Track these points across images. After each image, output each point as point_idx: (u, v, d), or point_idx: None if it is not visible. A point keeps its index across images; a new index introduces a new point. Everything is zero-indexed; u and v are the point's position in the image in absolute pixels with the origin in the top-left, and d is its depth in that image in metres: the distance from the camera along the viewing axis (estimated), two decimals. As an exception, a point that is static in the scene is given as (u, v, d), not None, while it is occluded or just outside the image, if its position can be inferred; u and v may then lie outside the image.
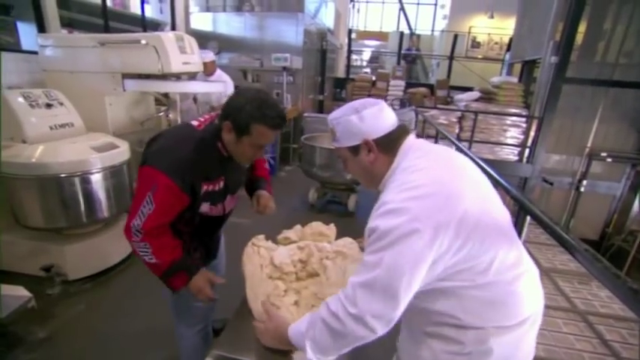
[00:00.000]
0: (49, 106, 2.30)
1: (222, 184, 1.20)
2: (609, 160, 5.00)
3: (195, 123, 1.16)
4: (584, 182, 5.13)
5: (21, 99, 2.19)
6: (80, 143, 2.27)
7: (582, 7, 4.14)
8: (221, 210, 1.27)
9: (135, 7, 5.10)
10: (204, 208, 1.19)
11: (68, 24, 4.13)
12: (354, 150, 0.90)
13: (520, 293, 0.83)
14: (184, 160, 1.07)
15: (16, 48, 3.35)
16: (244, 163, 1.21)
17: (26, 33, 3.42)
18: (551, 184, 5.12)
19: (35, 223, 2.21)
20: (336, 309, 0.79)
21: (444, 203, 0.75)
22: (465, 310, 0.83)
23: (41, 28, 3.33)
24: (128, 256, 2.67)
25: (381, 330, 0.78)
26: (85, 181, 2.21)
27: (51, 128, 2.26)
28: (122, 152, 2.43)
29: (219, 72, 3.97)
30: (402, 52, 8.68)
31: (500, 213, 0.85)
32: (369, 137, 0.87)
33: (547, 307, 2.42)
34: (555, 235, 0.97)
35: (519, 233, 1.20)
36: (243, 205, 1.47)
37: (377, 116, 0.88)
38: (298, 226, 1.31)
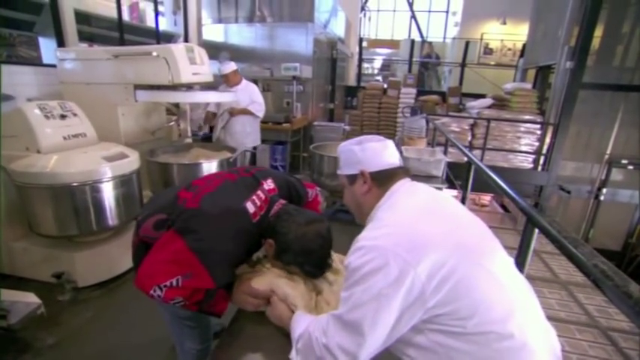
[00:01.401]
0: (63, 117, 2.38)
1: (248, 253, 1.19)
2: (631, 167, 4.81)
3: (251, 209, 1.07)
4: (604, 190, 4.94)
5: (37, 110, 2.27)
6: (91, 153, 2.32)
7: (598, 11, 4.04)
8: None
9: (151, 21, 5.27)
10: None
11: (88, 38, 4.30)
12: (352, 179, 0.96)
13: (518, 353, 0.71)
14: (232, 259, 1.04)
15: (37, 62, 3.50)
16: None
17: (47, 47, 3.57)
18: (569, 192, 4.96)
19: (48, 230, 2.27)
20: (317, 334, 0.82)
21: (414, 244, 0.73)
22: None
23: (60, 43, 3.47)
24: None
25: None
26: (96, 189, 2.25)
27: (64, 138, 2.33)
28: (132, 161, 2.47)
29: (244, 82, 3.85)
30: (420, 59, 8.65)
31: (489, 260, 0.77)
32: (366, 169, 0.92)
33: (566, 321, 2.32)
34: (564, 249, 0.93)
35: (527, 246, 1.15)
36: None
37: (378, 151, 0.93)
38: None
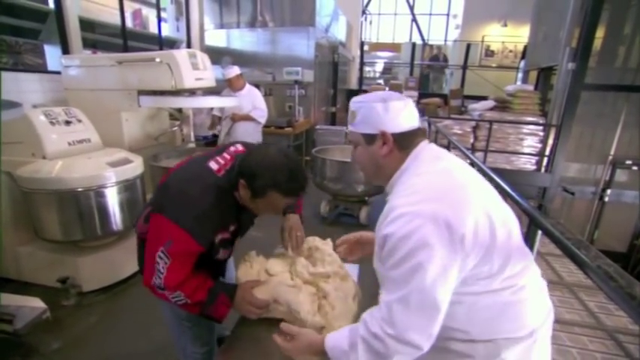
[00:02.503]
0: (68, 123, 2.40)
1: (233, 228, 1.16)
2: (635, 168, 4.78)
3: (214, 167, 1.09)
4: (608, 192, 4.91)
5: (42, 117, 2.30)
6: (96, 158, 2.35)
7: (599, 12, 4.04)
8: (231, 252, 1.24)
9: (153, 27, 5.33)
10: (221, 254, 1.15)
11: (92, 45, 4.36)
12: (369, 138, 0.87)
13: (527, 303, 0.82)
14: (204, 215, 1.02)
15: (42, 69, 3.54)
16: (259, 213, 1.15)
17: (51, 54, 3.62)
18: (573, 193, 4.92)
19: (53, 235, 2.29)
20: (376, 330, 0.76)
21: (455, 207, 0.74)
22: (473, 323, 0.81)
23: (65, 50, 3.52)
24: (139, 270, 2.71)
25: (426, 345, 0.75)
26: (100, 194, 2.27)
27: (69, 144, 2.36)
28: (136, 167, 2.49)
29: (248, 87, 3.87)
30: (420, 62, 8.65)
31: (509, 220, 0.83)
32: (389, 130, 0.85)
33: (572, 323, 2.30)
34: (566, 250, 0.93)
35: (531, 247, 1.15)
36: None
37: (402, 111, 0.85)
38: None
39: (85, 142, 2.48)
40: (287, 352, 0.92)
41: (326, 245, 1.26)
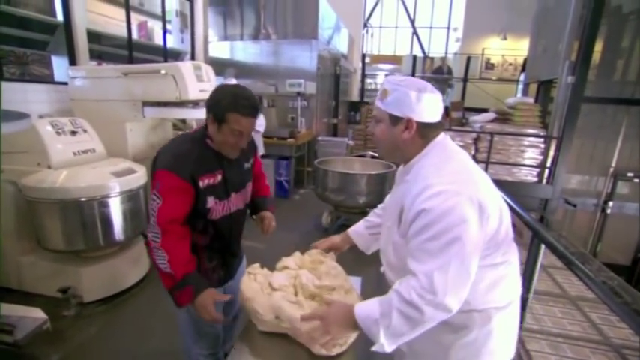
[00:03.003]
0: (73, 133, 2.43)
1: (220, 177, 1.25)
2: (636, 180, 4.77)
3: (190, 131, 1.32)
4: (610, 204, 4.89)
5: (49, 127, 2.33)
6: (100, 168, 2.36)
7: (597, 27, 4.10)
8: (228, 208, 1.30)
9: (158, 38, 5.42)
10: (211, 203, 1.23)
11: (98, 56, 4.43)
12: (395, 120, 0.93)
13: (512, 276, 0.97)
14: (180, 155, 1.17)
15: (49, 80, 3.60)
16: (230, 153, 1.23)
17: (59, 65, 3.68)
18: (574, 205, 4.91)
19: (55, 245, 2.29)
20: (412, 298, 0.82)
21: (482, 190, 0.86)
22: (475, 294, 0.89)
23: (72, 61, 3.58)
24: (142, 279, 2.71)
25: (457, 309, 0.84)
26: (104, 204, 2.28)
27: (74, 154, 2.38)
28: (139, 177, 2.51)
29: None
30: (430, 74, 8.74)
31: (506, 208, 0.95)
32: (415, 118, 0.91)
33: (577, 338, 2.27)
34: (570, 264, 0.93)
35: (534, 262, 1.15)
36: (257, 229, 1.50)
37: (433, 104, 0.92)
38: (297, 253, 1.31)
39: (90, 152, 2.50)
40: (321, 319, 0.94)
41: (330, 258, 1.26)
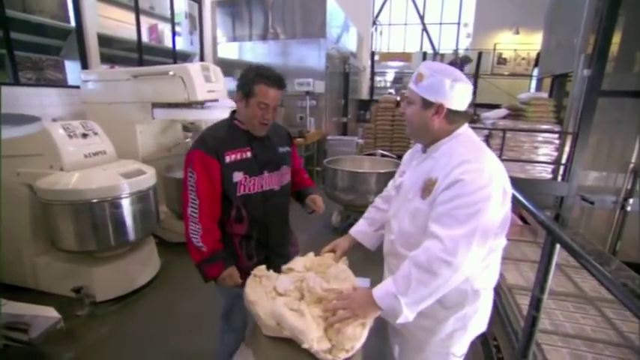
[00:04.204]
0: (84, 135, 2.47)
1: (249, 154, 1.34)
2: (658, 176, 4.59)
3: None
4: (631, 201, 4.71)
5: (61, 130, 2.37)
6: (110, 170, 2.40)
7: (615, 18, 3.96)
8: (260, 185, 1.37)
9: (169, 41, 5.49)
10: (238, 177, 1.31)
11: (110, 60, 4.51)
12: (427, 104, 0.99)
13: (498, 261, 1.06)
14: (207, 135, 1.34)
15: (63, 84, 3.68)
16: (258, 129, 1.33)
17: (71, 70, 3.76)
18: (592, 203, 4.75)
19: (69, 246, 2.33)
20: (430, 263, 0.88)
21: (506, 177, 0.96)
22: (475, 273, 0.98)
23: (84, 65, 3.65)
24: (153, 279, 2.73)
25: (465, 277, 0.92)
26: (115, 205, 2.31)
27: (85, 156, 2.42)
28: (149, 178, 2.53)
29: None
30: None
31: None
32: (446, 104, 0.97)
33: (597, 340, 2.18)
34: (588, 265, 0.88)
35: (548, 262, 1.10)
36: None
37: (464, 93, 0.98)
38: (311, 254, 1.29)
39: (101, 154, 2.54)
40: (346, 301, 0.98)
41: (341, 262, 1.24)
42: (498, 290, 2.18)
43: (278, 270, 1.25)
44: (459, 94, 0.96)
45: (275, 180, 1.41)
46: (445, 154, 0.99)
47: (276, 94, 1.28)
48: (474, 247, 0.88)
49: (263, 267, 1.22)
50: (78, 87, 3.28)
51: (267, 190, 1.39)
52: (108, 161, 2.58)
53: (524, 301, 2.39)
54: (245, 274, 1.27)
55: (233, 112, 1.39)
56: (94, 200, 2.25)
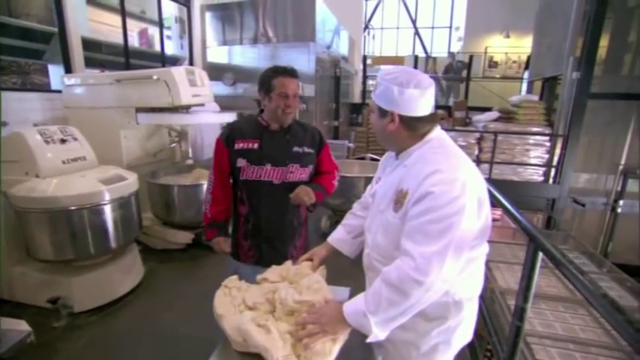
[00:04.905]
0: (63, 141, 2.40)
1: (256, 145, 1.47)
2: (648, 177, 4.61)
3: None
4: (621, 202, 4.73)
5: (38, 136, 2.30)
6: (89, 176, 2.33)
7: (602, 22, 3.98)
8: (259, 174, 1.47)
9: (159, 45, 5.43)
10: (242, 163, 1.47)
11: (100, 64, 4.44)
12: (382, 112, 0.98)
13: (481, 269, 1.02)
14: (229, 125, 1.57)
15: (47, 88, 3.60)
16: (283, 118, 1.46)
17: (55, 74, 3.68)
18: (583, 205, 4.76)
19: (45, 255, 2.25)
20: (400, 283, 0.83)
21: (482, 186, 0.92)
22: (455, 283, 0.92)
23: (68, 69, 3.58)
24: (136, 287, 2.66)
25: (441, 294, 0.87)
26: (94, 213, 2.25)
27: (63, 162, 2.35)
28: (130, 184, 2.47)
29: None
30: (443, 75, 8.56)
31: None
32: (399, 112, 0.94)
33: (587, 344, 2.15)
34: (570, 275, 0.84)
35: (531, 269, 1.06)
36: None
37: (415, 99, 0.93)
38: (288, 263, 1.23)
39: (80, 160, 2.47)
40: (315, 317, 0.94)
41: (319, 272, 1.18)
42: (490, 295, 2.14)
43: (271, 264, 1.28)
44: (409, 101, 0.93)
45: (277, 174, 1.48)
46: (417, 162, 0.95)
47: (293, 83, 1.43)
48: (448, 263, 0.83)
49: (235, 277, 1.16)
50: (60, 91, 3.21)
51: (265, 180, 1.48)
52: (88, 167, 2.51)
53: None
54: (242, 251, 1.58)
55: (261, 111, 1.53)
56: (72, 207, 2.18)
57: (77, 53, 3.60)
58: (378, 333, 0.86)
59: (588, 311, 2.47)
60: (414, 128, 0.97)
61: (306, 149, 1.53)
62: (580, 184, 4.80)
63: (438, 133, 1.00)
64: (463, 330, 1.03)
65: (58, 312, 2.23)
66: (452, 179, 0.85)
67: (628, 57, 4.71)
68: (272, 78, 1.41)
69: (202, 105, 3.14)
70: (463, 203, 0.83)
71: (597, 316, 2.43)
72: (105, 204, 2.29)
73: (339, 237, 1.29)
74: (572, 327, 2.36)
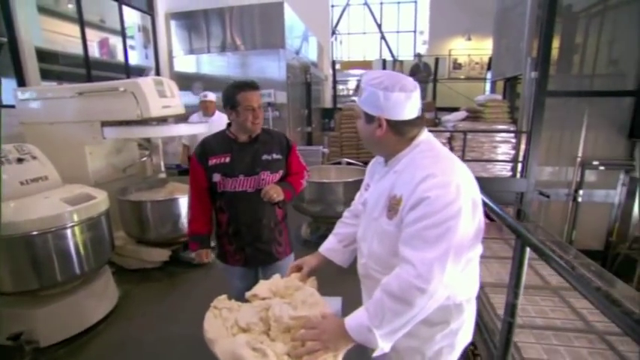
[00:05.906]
0: (20, 160, 2.21)
1: (227, 159, 1.56)
2: (602, 168, 4.95)
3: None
4: (581, 192, 5.05)
5: (-10, 157, 2.10)
6: (53, 197, 2.16)
7: (553, 25, 4.26)
8: (234, 185, 1.57)
9: (122, 55, 5.19)
10: (217, 178, 1.56)
11: (58, 77, 4.16)
12: (368, 118, 0.96)
13: (477, 269, 1.01)
14: (202, 142, 1.64)
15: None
16: (253, 129, 1.55)
17: (7, 88, 3.41)
18: (548, 196, 5.04)
19: (5, 287, 2.05)
20: (404, 291, 0.81)
21: (476, 189, 0.91)
22: (456, 287, 0.93)
23: (21, 82, 3.33)
24: (110, 313, 2.49)
25: (444, 299, 0.86)
26: (59, 237, 2.07)
27: (22, 184, 2.16)
28: (99, 203, 2.31)
29: (218, 114, 3.78)
30: (410, 75, 8.69)
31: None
32: (386, 116, 0.93)
33: (562, 329, 2.25)
34: (558, 267, 0.87)
35: (519, 265, 1.09)
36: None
37: (401, 103, 0.92)
38: (277, 276, 1.19)
39: (42, 180, 2.29)
40: (316, 334, 0.90)
41: (310, 284, 1.14)
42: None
43: (259, 264, 1.69)
44: (396, 105, 0.92)
45: (250, 183, 1.58)
46: (408, 167, 0.94)
47: (256, 95, 1.53)
48: (449, 267, 0.82)
49: (224, 297, 1.10)
50: (13, 106, 2.97)
51: (240, 191, 1.58)
52: (51, 187, 2.32)
53: (497, 300, 2.43)
54: (228, 255, 1.68)
55: (229, 125, 1.61)
56: (34, 232, 2.00)
57: (31, 64, 3.36)
58: (384, 345, 0.84)
59: (566, 302, 2.60)
60: (402, 132, 0.95)
61: (275, 156, 1.63)
62: (544, 176, 5.08)
63: (426, 135, 0.99)
64: (465, 331, 1.04)
65: (21, 349, 2.03)
66: (446, 182, 0.84)
67: (577, 57, 5.08)
68: (235, 94, 1.49)
69: (172, 117, 3.02)
70: (459, 206, 0.83)
71: (575, 306, 2.56)
72: (71, 226, 2.12)
73: (330, 246, 1.25)
74: (543, 309, 2.48)
